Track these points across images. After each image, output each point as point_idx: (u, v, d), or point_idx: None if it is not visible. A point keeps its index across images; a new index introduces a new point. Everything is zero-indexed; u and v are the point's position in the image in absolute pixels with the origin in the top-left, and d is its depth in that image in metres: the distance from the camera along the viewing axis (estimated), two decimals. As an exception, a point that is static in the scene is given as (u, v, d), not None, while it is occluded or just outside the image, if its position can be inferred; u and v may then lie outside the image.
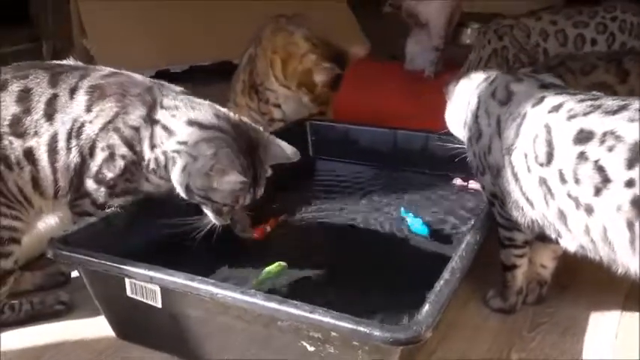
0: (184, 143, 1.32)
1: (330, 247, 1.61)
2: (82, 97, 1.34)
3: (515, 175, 1.20)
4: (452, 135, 1.62)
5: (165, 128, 1.34)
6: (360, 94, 2.39)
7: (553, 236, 1.20)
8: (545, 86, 1.23)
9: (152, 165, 1.36)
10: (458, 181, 1.84)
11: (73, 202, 1.39)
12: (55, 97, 1.33)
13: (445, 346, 1.28)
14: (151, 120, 1.34)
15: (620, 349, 1.27)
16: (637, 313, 1.36)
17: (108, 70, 1.41)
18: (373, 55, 3.22)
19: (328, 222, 1.70)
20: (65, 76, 1.35)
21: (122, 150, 1.35)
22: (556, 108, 1.14)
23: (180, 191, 1.35)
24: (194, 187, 1.32)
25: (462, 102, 1.38)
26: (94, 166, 1.35)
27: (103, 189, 1.37)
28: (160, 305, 1.20)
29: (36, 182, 1.34)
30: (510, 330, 1.33)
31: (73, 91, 1.34)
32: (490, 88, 1.30)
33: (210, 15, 3.32)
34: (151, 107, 1.35)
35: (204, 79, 3.07)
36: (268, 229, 1.60)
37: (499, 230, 1.34)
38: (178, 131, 1.33)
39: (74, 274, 1.51)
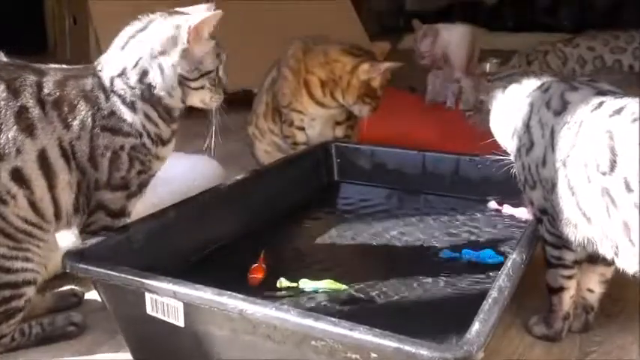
0: (142, 58, 1.28)
1: (360, 270, 1.52)
2: (53, 114, 1.22)
3: (571, 189, 1.12)
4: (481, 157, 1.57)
5: (122, 80, 1.28)
6: (384, 120, 2.34)
7: (609, 255, 1.11)
8: (602, 93, 1.15)
9: (141, 112, 1.29)
10: (492, 205, 1.76)
11: (87, 222, 1.31)
12: (24, 109, 1.20)
13: (487, 376, 1.19)
14: (111, 91, 1.28)
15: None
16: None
17: (52, 70, 1.28)
18: (392, 89, 3.21)
19: (357, 245, 1.62)
20: (21, 84, 1.21)
21: (119, 141, 1.27)
22: (618, 111, 1.07)
23: (175, 95, 1.31)
24: (184, 72, 1.29)
25: (511, 109, 1.31)
26: (102, 176, 1.27)
27: (118, 193, 1.30)
28: (182, 324, 1.11)
29: (35, 206, 1.20)
30: (557, 359, 1.24)
31: (42, 105, 1.21)
32: (544, 96, 1.23)
33: (229, 43, 3.31)
34: (103, 86, 1.28)
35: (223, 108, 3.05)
36: (263, 266, 1.46)
37: (546, 249, 1.25)
38: (129, 64, 1.28)
39: (87, 295, 1.44)
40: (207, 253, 1.49)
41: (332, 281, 1.37)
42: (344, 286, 1.36)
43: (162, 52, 1.28)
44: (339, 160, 1.96)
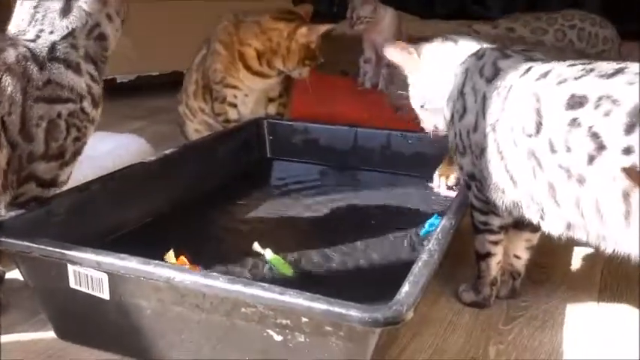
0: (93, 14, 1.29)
1: (292, 246, 1.51)
2: None
3: (500, 153, 1.13)
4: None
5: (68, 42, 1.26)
6: (316, 103, 2.35)
7: (535, 219, 1.14)
8: (533, 59, 1.17)
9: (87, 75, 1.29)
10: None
11: (16, 193, 1.25)
12: None
13: (418, 343, 1.20)
14: (50, 59, 1.24)
15: (599, 340, 1.21)
16: (613, 304, 1.32)
17: None
18: (325, 72, 3.22)
19: (289, 220, 1.62)
20: None
21: (56, 109, 1.23)
22: (544, 75, 1.08)
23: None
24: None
25: (446, 73, 1.29)
26: (38, 148, 1.22)
27: (53, 163, 1.25)
28: (107, 297, 1.07)
29: None
30: (485, 324, 1.26)
31: None
32: (478, 63, 1.23)
33: (159, 25, 3.23)
34: (35, 56, 1.23)
35: (152, 89, 3.04)
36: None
37: (474, 215, 1.27)
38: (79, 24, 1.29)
39: (9, 274, 1.37)
40: (133, 229, 1.45)
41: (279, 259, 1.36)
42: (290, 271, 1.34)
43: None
44: (271, 137, 1.94)
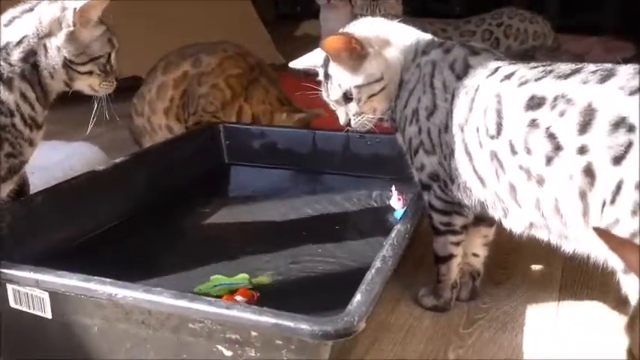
0: (27, 36, 1.25)
1: (250, 254, 1.46)
2: None
3: (468, 154, 1.11)
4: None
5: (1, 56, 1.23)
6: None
7: (498, 216, 1.12)
8: (501, 59, 1.15)
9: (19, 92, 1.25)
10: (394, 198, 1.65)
11: None
12: None
13: (376, 351, 1.17)
14: None
15: (560, 339, 1.19)
16: (574, 302, 1.31)
17: None
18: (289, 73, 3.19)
19: (249, 228, 1.58)
20: None
21: None
22: (508, 76, 1.06)
23: (57, 78, 1.28)
24: (71, 55, 1.27)
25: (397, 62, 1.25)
26: None
27: None
28: (49, 316, 1.03)
29: None
30: (446, 328, 1.23)
31: None
32: (448, 58, 1.19)
33: (118, 29, 3.18)
34: None
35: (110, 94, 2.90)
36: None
37: (434, 217, 1.24)
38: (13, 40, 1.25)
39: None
40: (82, 242, 1.40)
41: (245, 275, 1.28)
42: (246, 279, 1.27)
43: (48, 34, 1.26)
44: (227, 142, 1.90)
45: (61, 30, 1.26)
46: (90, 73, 1.31)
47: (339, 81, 1.28)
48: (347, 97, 1.28)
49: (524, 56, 1.61)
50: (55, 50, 1.26)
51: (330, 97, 1.31)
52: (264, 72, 2.08)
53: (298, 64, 1.40)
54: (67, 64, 1.27)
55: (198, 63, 2.03)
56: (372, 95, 1.26)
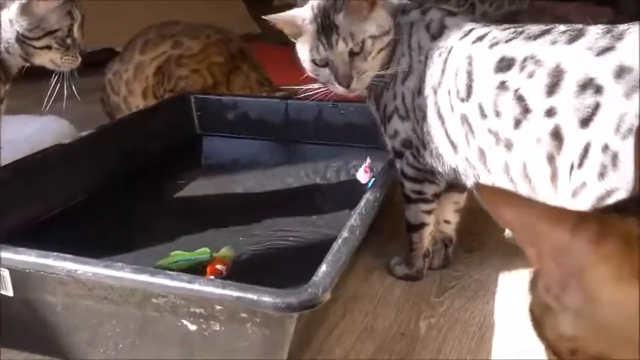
0: None
1: (223, 226, 1.44)
2: None
3: (440, 117, 1.09)
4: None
5: None
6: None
7: (469, 183, 1.11)
8: (475, 21, 1.12)
9: None
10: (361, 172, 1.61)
11: None
12: None
13: (348, 320, 1.16)
14: None
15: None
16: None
17: None
18: (265, 42, 3.14)
19: (220, 199, 1.56)
20: None
21: None
22: (480, 38, 1.04)
23: (13, 53, 1.24)
24: (24, 29, 1.21)
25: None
26: None
27: None
28: (11, 294, 1.00)
29: None
30: (417, 297, 1.23)
31: None
32: (425, 19, 1.16)
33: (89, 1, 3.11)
34: None
35: (82, 67, 2.85)
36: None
37: (406, 185, 1.23)
38: None
39: None
40: (49, 218, 1.37)
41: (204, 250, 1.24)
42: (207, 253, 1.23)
43: (1, 6, 1.21)
44: (199, 113, 1.86)
45: (13, 2, 1.21)
46: (48, 47, 1.26)
47: (349, 31, 1.14)
48: (353, 52, 1.16)
49: (508, 20, 1.58)
50: (8, 24, 1.21)
51: (328, 52, 1.16)
52: (245, 57, 2.05)
53: (279, 18, 1.23)
54: (21, 39, 1.22)
55: (179, 45, 1.99)
56: (381, 50, 1.18)
